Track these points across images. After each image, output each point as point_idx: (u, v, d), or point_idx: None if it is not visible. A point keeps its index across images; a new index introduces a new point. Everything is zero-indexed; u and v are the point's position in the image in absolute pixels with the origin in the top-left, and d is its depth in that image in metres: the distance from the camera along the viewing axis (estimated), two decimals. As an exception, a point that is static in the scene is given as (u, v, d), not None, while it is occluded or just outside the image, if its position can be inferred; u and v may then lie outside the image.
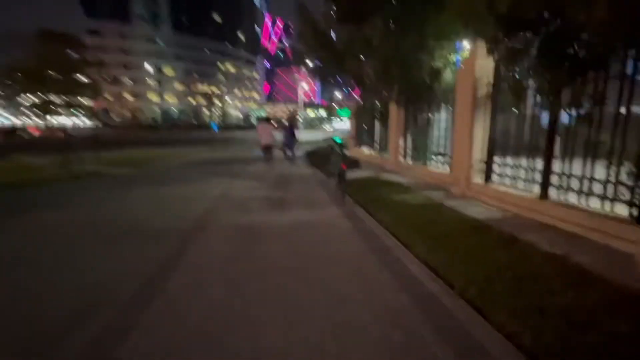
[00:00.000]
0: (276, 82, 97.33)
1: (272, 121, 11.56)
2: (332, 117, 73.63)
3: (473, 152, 5.50)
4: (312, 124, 66.50)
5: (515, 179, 4.83)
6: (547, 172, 4.22)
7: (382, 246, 3.61)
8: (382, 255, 3.33)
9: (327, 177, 8.04)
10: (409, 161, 8.31)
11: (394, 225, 4.13)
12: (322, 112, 77.60)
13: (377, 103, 10.04)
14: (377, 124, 10.81)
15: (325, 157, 11.72)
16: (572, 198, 3.95)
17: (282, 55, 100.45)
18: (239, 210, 5.11)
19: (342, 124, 66.23)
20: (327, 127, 61.17)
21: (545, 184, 4.24)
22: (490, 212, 4.67)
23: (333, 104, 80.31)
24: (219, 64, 78.84)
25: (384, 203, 5.14)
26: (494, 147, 5.22)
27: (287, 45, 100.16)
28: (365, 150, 12.16)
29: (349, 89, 12.74)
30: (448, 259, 3.02)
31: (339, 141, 6.34)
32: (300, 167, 10.54)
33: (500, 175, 5.12)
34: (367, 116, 11.72)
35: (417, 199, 5.37)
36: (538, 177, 4.35)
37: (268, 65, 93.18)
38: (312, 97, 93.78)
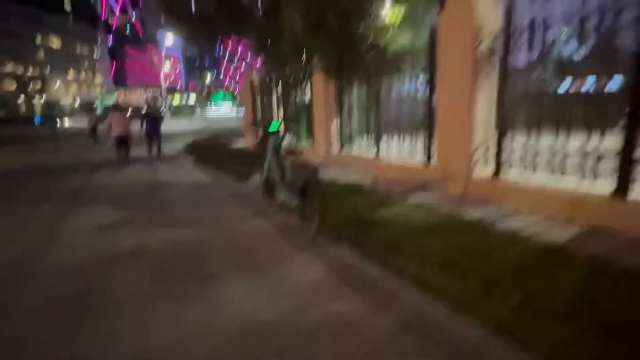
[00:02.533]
0: (128, 63, 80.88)
1: (126, 109, 8.32)
2: (205, 103, 66.68)
3: (473, 134, 3.82)
4: (179, 112, 58.00)
5: (553, 169, 3.34)
6: (627, 158, 2.80)
7: None
8: None
9: (245, 190, 5.30)
10: (350, 150, 6.30)
11: (457, 290, 1.98)
12: (192, 98, 69.04)
13: (291, 75, 7.57)
14: (291, 104, 8.37)
15: (218, 151, 8.67)
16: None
17: (129, 30, 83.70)
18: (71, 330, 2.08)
19: (220, 110, 60.38)
20: (200, 114, 54.34)
21: (625, 176, 2.82)
22: (546, 224, 3.01)
23: (209, 86, 72.99)
24: (39, 38, 59.54)
25: (382, 230, 2.94)
26: (507, 126, 3.65)
27: (134, 16, 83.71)
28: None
29: (245, 61, 9.91)
30: None
31: (273, 129, 3.76)
32: (184, 169, 7.28)
33: (524, 163, 3.58)
34: (274, 95, 9.09)
35: (421, 214, 3.35)
36: (606, 165, 2.92)
37: (111, 41, 75.91)
38: (176, 81, 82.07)
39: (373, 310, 1.99)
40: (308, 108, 7.48)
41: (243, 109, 12.61)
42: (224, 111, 59.11)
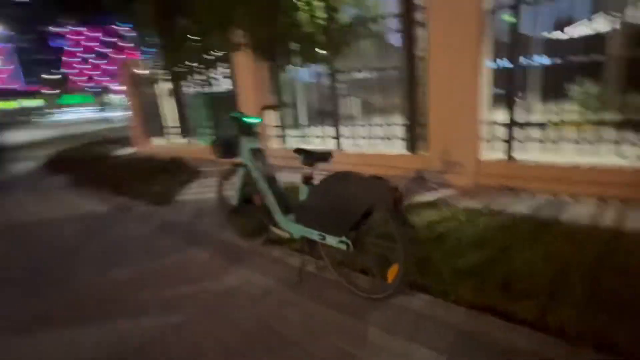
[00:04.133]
0: None
1: None
2: (57, 105, 54.13)
3: (479, 111, 3.19)
4: (15, 119, 44.76)
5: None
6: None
7: None
8: None
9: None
10: (297, 145, 5.10)
11: None
12: (33, 102, 54.49)
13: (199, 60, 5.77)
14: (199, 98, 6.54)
15: (102, 164, 6.31)
16: None
17: None
18: None
19: (80, 112, 49.22)
20: (49, 118, 43.19)
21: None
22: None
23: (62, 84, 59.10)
24: None
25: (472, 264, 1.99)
26: (518, 97, 3.12)
27: None
28: (167, 140, 7.58)
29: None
30: None
31: (248, 121, 2.40)
32: (60, 196, 4.93)
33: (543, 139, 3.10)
34: (178, 86, 7.00)
35: (472, 221, 2.50)
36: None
37: None
38: (9, 81, 62.98)
39: None
40: (226, 100, 5.95)
41: (112, 108, 9.86)
42: (85, 113, 48.88)
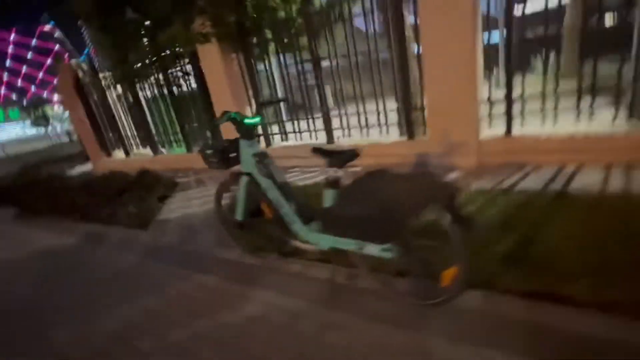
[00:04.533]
0: None
1: None
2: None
3: (478, 87, 3.07)
4: None
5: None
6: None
7: None
8: None
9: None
10: (281, 140, 4.80)
11: None
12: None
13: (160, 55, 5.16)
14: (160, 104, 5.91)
15: (56, 188, 5.57)
16: None
17: None
18: None
19: (7, 131, 44.09)
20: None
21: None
22: None
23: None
24: None
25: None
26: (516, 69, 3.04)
27: None
28: (130, 152, 6.88)
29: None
30: None
31: (250, 122, 2.05)
32: (9, 232, 4.24)
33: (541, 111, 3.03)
34: (134, 90, 6.22)
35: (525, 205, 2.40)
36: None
37: None
38: None
39: None
40: (193, 101, 5.46)
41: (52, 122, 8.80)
42: (14, 130, 44.10)
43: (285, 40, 4.09)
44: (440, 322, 1.58)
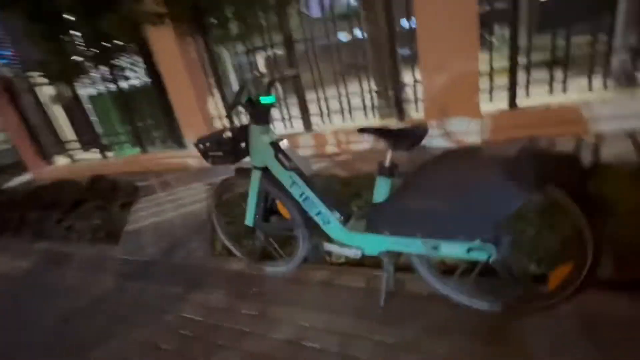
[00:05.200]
0: None
1: None
2: None
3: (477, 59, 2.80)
4: None
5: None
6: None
7: None
8: None
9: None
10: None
11: None
12: None
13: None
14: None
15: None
16: None
17: None
18: None
19: None
20: None
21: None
22: None
23: None
24: None
25: None
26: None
27: None
28: (74, 157, 6.11)
29: None
30: None
31: (267, 100, 1.62)
32: None
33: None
34: (69, 88, 5.40)
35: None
36: None
37: None
38: None
39: None
40: (143, 94, 4.91)
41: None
42: None
43: (248, 20, 3.74)
44: (537, 332, 1.30)
